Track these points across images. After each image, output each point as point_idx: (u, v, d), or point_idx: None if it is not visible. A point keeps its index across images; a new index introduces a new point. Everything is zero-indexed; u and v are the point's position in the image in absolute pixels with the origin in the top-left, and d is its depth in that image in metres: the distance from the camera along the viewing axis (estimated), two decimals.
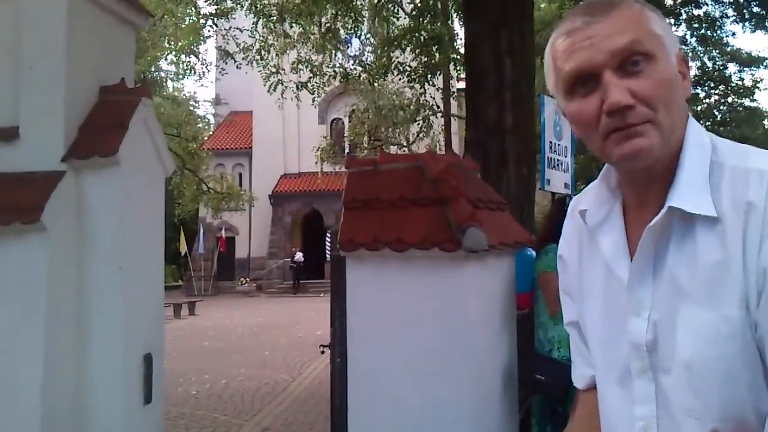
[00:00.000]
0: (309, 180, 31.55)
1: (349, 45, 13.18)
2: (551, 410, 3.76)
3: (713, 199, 1.00)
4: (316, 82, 12.78)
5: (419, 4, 10.67)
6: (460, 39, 12.37)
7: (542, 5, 15.77)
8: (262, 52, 12.08)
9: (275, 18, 10.90)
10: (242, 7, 11.42)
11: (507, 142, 5.09)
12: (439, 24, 10.97)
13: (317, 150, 22.23)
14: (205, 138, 33.68)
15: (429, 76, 11.31)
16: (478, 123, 5.26)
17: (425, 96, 13.48)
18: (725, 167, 1.02)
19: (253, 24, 11.65)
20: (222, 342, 14.32)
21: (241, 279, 31.96)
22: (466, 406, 3.42)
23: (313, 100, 13.19)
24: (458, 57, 11.19)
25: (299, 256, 29.35)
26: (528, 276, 3.97)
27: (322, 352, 5.97)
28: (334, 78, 12.73)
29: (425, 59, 10.92)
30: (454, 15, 10.99)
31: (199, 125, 36.52)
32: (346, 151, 28.64)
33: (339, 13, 10.81)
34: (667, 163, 1.04)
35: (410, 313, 3.51)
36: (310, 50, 11.98)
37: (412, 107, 16.50)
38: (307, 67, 12.31)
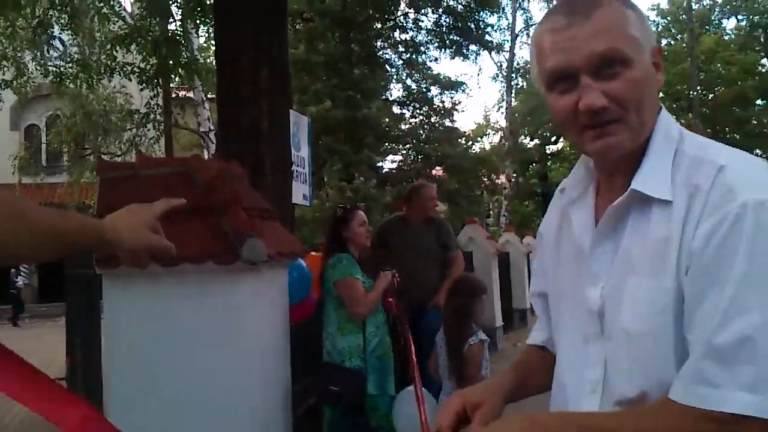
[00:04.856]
0: None
1: (64, 42, 11.86)
2: (352, 424, 3.66)
3: (673, 185, 1.09)
4: (22, 82, 11.28)
5: (145, 5, 9.96)
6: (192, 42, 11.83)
7: None
8: None
9: None
10: None
11: (263, 152, 4.94)
12: (174, 25, 10.37)
13: (15, 158, 19.73)
14: None
15: (159, 79, 10.61)
16: (231, 130, 5.03)
17: (157, 100, 12.62)
18: (686, 156, 1.11)
19: None
20: None
21: None
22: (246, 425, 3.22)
23: (21, 102, 11.59)
24: (186, 61, 10.65)
25: (21, 281, 25.64)
26: (302, 286, 3.87)
27: None
28: (45, 77, 11.35)
29: (155, 61, 10.23)
30: (188, 19, 10.45)
31: None
32: (44, 160, 25.85)
33: (52, 6, 9.66)
34: (636, 153, 1.13)
35: (182, 336, 3.19)
36: (17, 46, 10.51)
37: (140, 113, 15.31)
38: (12, 63, 10.80)
